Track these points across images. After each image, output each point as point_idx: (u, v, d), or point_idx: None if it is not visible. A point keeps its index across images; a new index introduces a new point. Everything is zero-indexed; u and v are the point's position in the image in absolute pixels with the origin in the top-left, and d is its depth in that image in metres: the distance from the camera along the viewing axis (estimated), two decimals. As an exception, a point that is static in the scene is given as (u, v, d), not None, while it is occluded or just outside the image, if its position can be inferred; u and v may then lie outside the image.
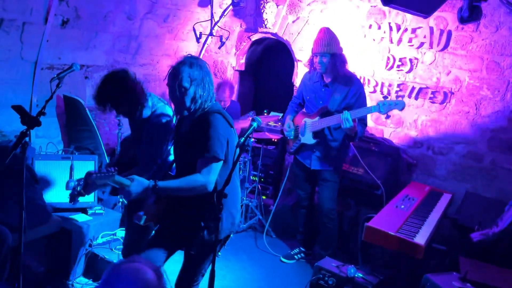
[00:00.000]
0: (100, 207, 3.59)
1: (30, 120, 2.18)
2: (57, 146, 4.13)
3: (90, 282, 3.29)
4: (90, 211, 3.55)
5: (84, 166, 3.58)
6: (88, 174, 2.09)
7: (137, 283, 1.31)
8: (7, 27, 3.37)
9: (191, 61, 2.21)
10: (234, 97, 5.58)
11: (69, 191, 2.61)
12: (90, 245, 3.37)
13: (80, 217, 3.47)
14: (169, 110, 2.77)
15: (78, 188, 2.56)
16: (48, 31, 3.67)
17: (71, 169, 3.54)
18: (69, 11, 3.74)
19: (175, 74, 2.21)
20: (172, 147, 2.66)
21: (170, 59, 5.25)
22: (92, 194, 3.52)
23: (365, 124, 3.68)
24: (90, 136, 4.17)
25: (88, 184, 2.40)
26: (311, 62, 3.70)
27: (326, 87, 3.70)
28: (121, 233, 3.57)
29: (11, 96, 3.72)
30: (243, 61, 5.54)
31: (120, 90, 2.57)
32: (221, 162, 2.18)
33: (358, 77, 3.94)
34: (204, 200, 2.16)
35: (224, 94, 4.93)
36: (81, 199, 2.98)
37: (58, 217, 3.30)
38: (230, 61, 5.54)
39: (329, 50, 3.51)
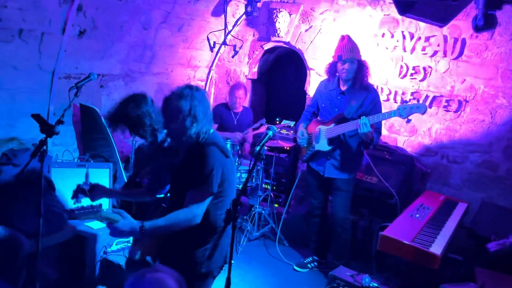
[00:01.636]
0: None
1: (49, 129, 2.20)
2: (73, 154, 4.18)
3: (106, 289, 3.30)
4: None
5: (99, 174, 3.60)
6: (71, 212, 2.07)
7: None
8: (26, 37, 3.43)
9: (181, 92, 2.14)
10: (247, 104, 5.59)
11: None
12: (104, 252, 3.38)
13: (94, 224, 3.49)
14: None
15: (85, 187, 2.54)
16: (66, 41, 3.73)
17: (86, 176, 3.57)
18: (86, 21, 3.80)
19: (165, 106, 2.17)
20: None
21: (184, 68, 5.29)
22: (106, 201, 3.55)
23: (380, 133, 3.66)
24: (105, 144, 4.21)
25: (94, 189, 2.46)
26: (330, 70, 3.70)
27: (342, 95, 3.69)
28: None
29: (29, 105, 3.77)
30: (255, 69, 5.57)
31: (133, 114, 2.61)
32: (211, 197, 2.13)
33: (371, 85, 3.92)
34: (195, 228, 2.12)
35: (239, 92, 4.89)
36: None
37: (72, 224, 3.33)
38: (242, 70, 5.56)
39: (356, 56, 3.52)
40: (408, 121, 3.82)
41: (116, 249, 3.49)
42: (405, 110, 3.26)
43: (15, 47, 3.40)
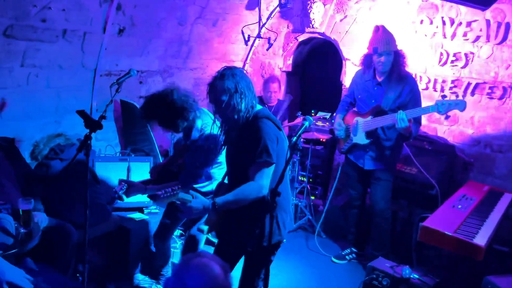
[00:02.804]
0: (155, 207, 3.71)
1: (93, 124, 2.28)
2: (115, 148, 4.32)
3: (147, 278, 3.40)
4: (146, 210, 3.68)
5: (140, 167, 3.71)
6: (155, 197, 2.16)
7: (205, 276, 1.35)
8: (70, 37, 3.57)
9: (222, 73, 2.22)
10: (281, 96, 5.58)
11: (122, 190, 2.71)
12: (147, 243, 3.49)
13: (137, 216, 3.60)
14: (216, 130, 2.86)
15: (120, 192, 2.66)
16: (107, 40, 3.85)
17: (128, 170, 3.69)
18: (125, 19, 3.90)
19: (211, 92, 2.24)
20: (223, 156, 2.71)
21: (219, 62, 5.34)
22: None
23: (420, 123, 3.57)
24: (145, 139, 4.32)
25: (130, 188, 2.59)
26: (365, 62, 3.64)
27: (378, 86, 3.62)
28: (175, 232, 3.66)
29: (73, 103, 3.93)
30: (290, 62, 5.54)
31: (159, 110, 2.68)
32: (273, 166, 2.19)
33: (409, 74, 3.82)
34: (257, 202, 2.18)
35: (273, 85, 4.88)
36: (137, 198, 3.10)
37: (117, 216, 3.45)
38: (277, 62, 5.55)
39: (392, 47, 3.45)
40: (447, 117, 3.70)
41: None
42: (444, 106, 3.16)
43: (59, 47, 3.54)
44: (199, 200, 2.13)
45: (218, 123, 2.93)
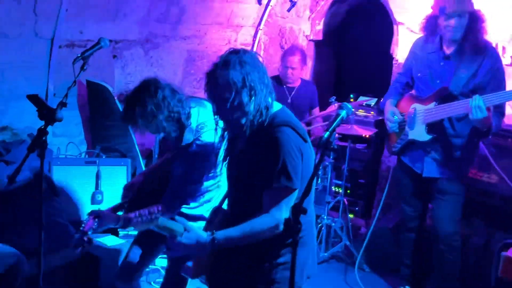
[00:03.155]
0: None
1: (49, 114, 2.29)
2: (79, 148, 4.35)
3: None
4: (122, 233, 3.71)
5: (114, 173, 3.74)
6: (127, 219, 2.15)
7: None
8: (17, -6, 3.61)
9: (225, 60, 2.16)
10: (307, 76, 5.56)
11: (95, 206, 2.74)
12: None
13: (109, 240, 3.63)
14: (214, 135, 2.87)
15: (90, 232, 2.62)
16: (67, -2, 3.88)
17: (98, 177, 3.72)
18: (92, -31, 3.93)
19: (209, 85, 2.20)
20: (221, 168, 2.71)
21: (221, 28, 5.34)
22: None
23: (503, 114, 3.52)
24: (121, 134, 4.34)
25: (100, 221, 2.59)
26: (428, 27, 3.61)
27: (447, 60, 3.59)
28: (161, 262, 3.68)
29: (23, 84, 3.96)
30: (320, 27, 5.52)
31: (148, 106, 2.72)
32: (295, 193, 2.16)
33: (489, 44, 3.78)
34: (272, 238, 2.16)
35: (293, 59, 4.80)
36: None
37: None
38: (302, 28, 5.54)
39: (466, 7, 3.42)
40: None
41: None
42: None
43: (4, 8, 3.57)
44: (193, 233, 2.11)
45: (220, 123, 2.94)
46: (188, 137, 2.84)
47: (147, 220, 2.14)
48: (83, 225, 2.61)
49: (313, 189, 2.38)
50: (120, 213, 2.86)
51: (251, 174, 2.21)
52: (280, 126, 2.17)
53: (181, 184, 2.84)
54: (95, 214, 2.68)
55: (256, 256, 2.26)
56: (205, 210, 2.80)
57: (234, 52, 2.19)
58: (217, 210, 2.50)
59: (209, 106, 2.94)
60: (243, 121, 2.19)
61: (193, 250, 2.12)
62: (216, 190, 2.90)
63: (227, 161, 2.42)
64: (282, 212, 2.12)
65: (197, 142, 2.83)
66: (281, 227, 2.10)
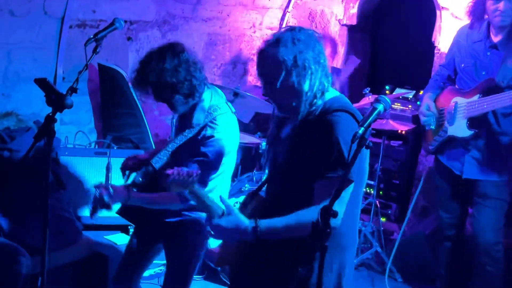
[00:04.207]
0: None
1: (58, 100, 2.30)
2: (89, 137, 4.37)
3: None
4: (132, 229, 3.72)
5: (126, 166, 3.75)
6: (164, 175, 2.16)
7: None
8: (26, -31, 3.64)
9: (278, 39, 2.17)
10: (339, 64, 5.52)
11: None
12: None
13: (119, 238, 3.65)
14: (232, 126, 2.88)
15: (105, 198, 2.68)
16: (80, -26, 3.90)
17: (108, 169, 3.73)
18: None
19: (260, 62, 2.22)
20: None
21: (246, 10, 5.33)
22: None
23: (555, 108, 3.48)
24: (134, 123, 4.36)
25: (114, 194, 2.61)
26: (475, 12, 3.58)
27: (494, 49, 3.56)
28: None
29: (30, 66, 4.00)
30: (354, 10, 5.50)
31: (167, 67, 2.71)
32: (352, 186, 2.14)
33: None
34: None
35: None
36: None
37: (89, 238, 3.50)
38: (334, 11, 5.51)
39: None
40: None
41: (148, 275, 3.63)
42: None
43: (11, -17, 3.61)
44: (234, 217, 2.13)
45: (233, 108, 2.93)
46: (198, 116, 2.83)
47: (184, 181, 2.14)
48: (97, 190, 2.70)
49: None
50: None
51: (299, 162, 2.21)
52: (338, 111, 2.17)
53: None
54: (104, 186, 2.74)
55: (289, 257, 2.26)
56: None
57: (290, 29, 2.21)
58: (252, 195, 2.49)
59: (222, 95, 2.97)
60: (295, 103, 2.20)
61: (233, 235, 2.13)
62: (217, 179, 2.90)
63: (267, 148, 2.44)
64: (336, 205, 2.04)
65: (210, 123, 2.82)
66: (338, 222, 2.08)
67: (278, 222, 2.13)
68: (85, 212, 3.69)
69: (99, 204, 2.71)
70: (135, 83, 2.83)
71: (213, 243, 2.28)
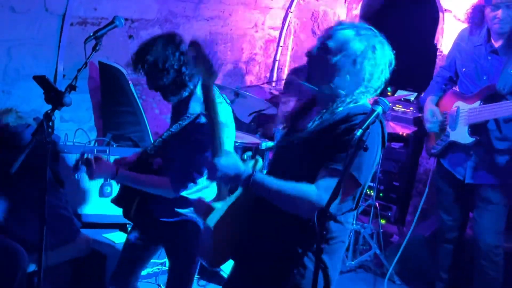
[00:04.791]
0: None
1: (57, 97, 2.30)
2: (88, 135, 4.37)
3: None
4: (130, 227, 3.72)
5: (125, 164, 3.75)
6: (191, 43, 2.17)
7: None
8: (27, -35, 3.64)
9: (356, 30, 2.24)
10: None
11: (106, 198, 2.75)
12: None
13: (118, 237, 3.65)
14: (227, 116, 2.87)
15: (90, 156, 2.70)
16: (81, -29, 3.90)
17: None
18: None
19: (325, 41, 2.21)
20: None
21: (248, 9, 5.32)
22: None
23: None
24: (134, 122, 4.35)
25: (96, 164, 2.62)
26: (474, 17, 3.58)
27: (494, 54, 3.55)
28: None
29: (30, 63, 4.00)
30: (357, 11, 5.52)
31: (162, 53, 2.73)
32: (358, 190, 2.16)
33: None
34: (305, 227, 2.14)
35: None
36: (117, 210, 3.14)
37: (88, 236, 3.50)
38: (337, 12, 5.51)
39: None
40: None
41: (146, 273, 3.63)
42: None
43: (12, -20, 3.61)
44: (232, 159, 2.14)
45: (228, 100, 2.92)
46: (194, 106, 2.82)
47: (206, 62, 2.12)
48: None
49: None
50: None
51: (313, 158, 2.18)
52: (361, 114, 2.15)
53: (184, 162, 2.80)
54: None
55: (283, 258, 2.25)
56: (206, 196, 2.76)
57: (370, 28, 2.30)
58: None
59: (216, 89, 2.97)
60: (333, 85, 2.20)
61: (228, 172, 2.11)
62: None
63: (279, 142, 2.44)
64: (329, 192, 1.99)
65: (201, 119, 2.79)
66: (322, 203, 2.01)
67: (273, 182, 2.12)
68: (84, 210, 3.71)
69: (83, 162, 2.71)
70: (132, 65, 2.83)
71: (210, 221, 2.23)
